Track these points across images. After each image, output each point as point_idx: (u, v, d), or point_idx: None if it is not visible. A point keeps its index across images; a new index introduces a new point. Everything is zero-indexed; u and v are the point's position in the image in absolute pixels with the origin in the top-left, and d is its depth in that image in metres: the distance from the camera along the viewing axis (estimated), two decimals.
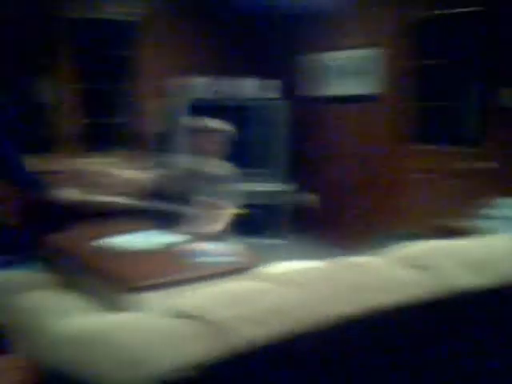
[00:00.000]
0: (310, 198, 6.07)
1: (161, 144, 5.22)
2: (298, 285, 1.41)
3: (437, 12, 4.73)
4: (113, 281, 2.80)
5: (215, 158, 3.74)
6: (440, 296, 1.49)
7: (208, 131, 3.67)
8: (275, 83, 5.73)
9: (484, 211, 3.99)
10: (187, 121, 3.76)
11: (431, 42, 4.87)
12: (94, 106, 5.63)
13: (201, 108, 5.45)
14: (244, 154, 4.00)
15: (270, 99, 5.41)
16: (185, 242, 3.46)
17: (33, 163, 3.85)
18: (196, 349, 1.15)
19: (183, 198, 3.60)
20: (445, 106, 4.91)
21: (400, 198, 5.03)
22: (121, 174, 3.67)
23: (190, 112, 5.48)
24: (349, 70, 5.45)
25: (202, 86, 5.80)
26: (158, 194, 3.64)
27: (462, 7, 4.58)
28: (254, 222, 3.92)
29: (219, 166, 3.71)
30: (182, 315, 1.28)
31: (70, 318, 1.37)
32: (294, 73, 6.00)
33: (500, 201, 4.05)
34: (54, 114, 5.43)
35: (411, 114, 4.96)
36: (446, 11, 4.68)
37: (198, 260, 3.04)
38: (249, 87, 5.98)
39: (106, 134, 5.78)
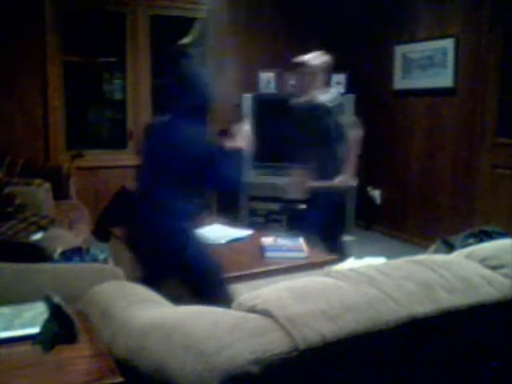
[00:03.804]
0: (377, 194, 5.97)
1: None
2: (369, 282, 1.41)
3: None
4: None
5: (317, 90, 3.73)
6: None
7: (300, 65, 3.70)
8: (341, 77, 5.67)
9: None
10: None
11: None
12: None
13: (265, 102, 5.47)
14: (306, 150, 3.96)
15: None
16: (253, 236, 3.50)
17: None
18: (263, 343, 1.16)
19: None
20: None
21: (478, 195, 4.85)
22: None
23: (256, 107, 5.50)
24: (424, 63, 5.31)
25: (267, 80, 5.82)
26: None
27: None
28: (320, 218, 3.90)
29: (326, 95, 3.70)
30: (251, 310, 1.30)
31: (143, 309, 1.41)
32: (361, 66, 5.92)
33: None
34: (127, 109, 5.58)
35: (493, 106, 4.73)
36: None
37: (267, 255, 3.07)
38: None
39: None
